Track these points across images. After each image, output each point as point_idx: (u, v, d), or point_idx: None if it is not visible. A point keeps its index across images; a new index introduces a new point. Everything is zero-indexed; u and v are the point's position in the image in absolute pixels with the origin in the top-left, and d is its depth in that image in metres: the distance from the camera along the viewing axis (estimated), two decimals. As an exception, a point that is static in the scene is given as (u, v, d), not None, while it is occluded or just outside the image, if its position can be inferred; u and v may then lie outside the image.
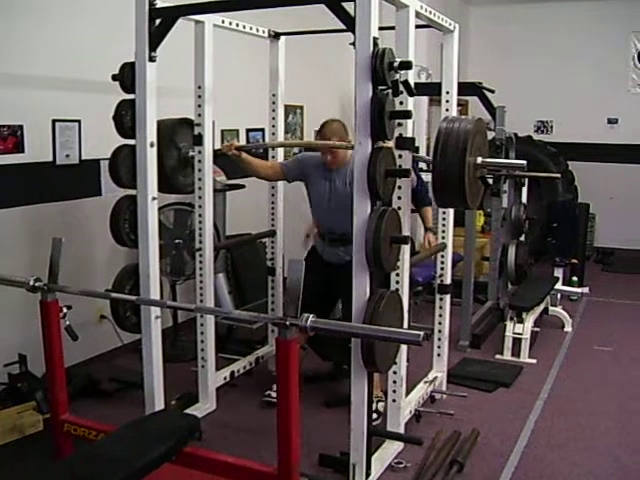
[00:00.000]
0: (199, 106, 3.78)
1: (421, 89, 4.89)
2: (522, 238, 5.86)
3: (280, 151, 4.44)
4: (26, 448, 3.56)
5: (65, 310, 3.05)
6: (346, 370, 3.71)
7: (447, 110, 3.93)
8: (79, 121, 4.38)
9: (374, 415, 3.80)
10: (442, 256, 4.17)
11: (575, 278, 6.85)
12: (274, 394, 3.96)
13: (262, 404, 4.12)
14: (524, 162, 3.50)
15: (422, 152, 7.37)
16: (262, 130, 5.97)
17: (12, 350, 3.98)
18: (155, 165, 3.43)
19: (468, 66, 8.57)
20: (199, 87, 3.76)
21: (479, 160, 3.17)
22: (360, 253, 2.95)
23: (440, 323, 4.23)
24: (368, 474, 3.25)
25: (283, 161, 4.32)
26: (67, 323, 3.07)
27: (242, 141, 5.79)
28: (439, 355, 4.29)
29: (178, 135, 3.95)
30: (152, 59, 3.32)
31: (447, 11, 3.98)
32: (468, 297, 5.34)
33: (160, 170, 3.55)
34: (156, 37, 3.31)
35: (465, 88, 4.95)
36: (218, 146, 4.27)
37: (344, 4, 2.89)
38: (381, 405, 3.91)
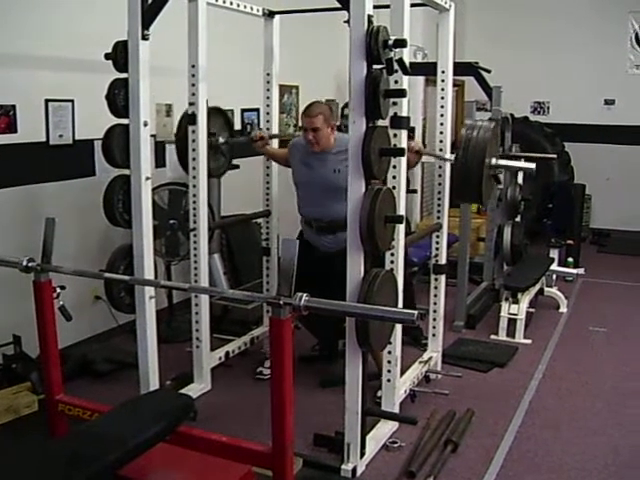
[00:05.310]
0: (193, 85, 3.75)
1: (417, 69, 4.88)
2: (518, 219, 5.85)
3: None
4: (21, 429, 3.57)
5: (58, 290, 3.02)
6: (341, 351, 3.71)
7: (442, 90, 3.90)
8: (72, 101, 4.34)
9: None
10: (437, 236, 4.16)
11: (570, 259, 6.86)
12: (266, 371, 4.14)
13: (257, 384, 4.14)
14: (533, 166, 3.60)
15: (418, 132, 7.40)
16: (257, 110, 5.94)
17: (6, 331, 3.97)
18: (149, 144, 3.41)
19: (465, 46, 8.50)
20: (193, 66, 3.73)
21: (493, 161, 3.54)
22: (354, 232, 2.94)
23: (435, 303, 4.23)
24: (363, 454, 3.26)
25: None
26: (61, 303, 3.05)
27: (236, 121, 5.78)
28: (434, 335, 4.30)
29: (209, 123, 3.91)
30: (145, 37, 3.29)
31: (443, -11, 3.94)
32: (463, 277, 5.35)
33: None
34: (149, 15, 3.28)
35: (461, 68, 4.94)
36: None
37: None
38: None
